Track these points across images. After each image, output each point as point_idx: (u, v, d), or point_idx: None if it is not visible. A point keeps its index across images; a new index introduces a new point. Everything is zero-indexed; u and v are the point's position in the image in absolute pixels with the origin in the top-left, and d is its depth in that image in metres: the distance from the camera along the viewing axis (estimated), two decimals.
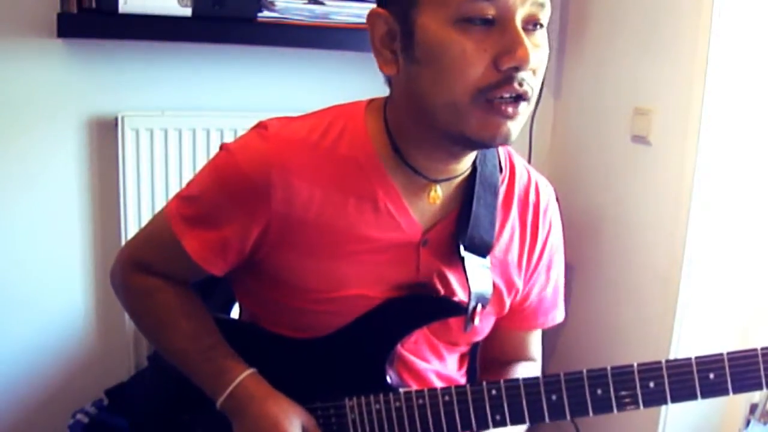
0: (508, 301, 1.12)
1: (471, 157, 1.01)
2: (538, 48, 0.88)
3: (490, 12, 0.85)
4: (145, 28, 1.78)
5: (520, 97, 0.88)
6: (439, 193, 1.01)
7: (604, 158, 2.13)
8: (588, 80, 2.19)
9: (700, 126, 1.73)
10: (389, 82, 1.00)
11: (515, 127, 0.90)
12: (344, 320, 1.02)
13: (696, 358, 0.93)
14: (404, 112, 0.97)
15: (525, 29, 0.86)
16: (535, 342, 1.22)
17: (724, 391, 0.92)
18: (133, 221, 1.94)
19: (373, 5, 0.96)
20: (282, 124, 1.02)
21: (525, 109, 0.90)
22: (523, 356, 1.21)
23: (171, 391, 1.16)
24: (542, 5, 0.87)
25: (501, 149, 1.10)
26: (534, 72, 0.89)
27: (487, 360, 1.21)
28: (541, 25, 0.89)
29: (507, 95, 0.87)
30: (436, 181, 1.01)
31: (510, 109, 0.87)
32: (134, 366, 2.03)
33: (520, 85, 0.87)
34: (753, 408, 1.83)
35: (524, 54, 0.84)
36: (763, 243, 1.82)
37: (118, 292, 1.15)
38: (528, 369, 1.18)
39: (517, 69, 0.85)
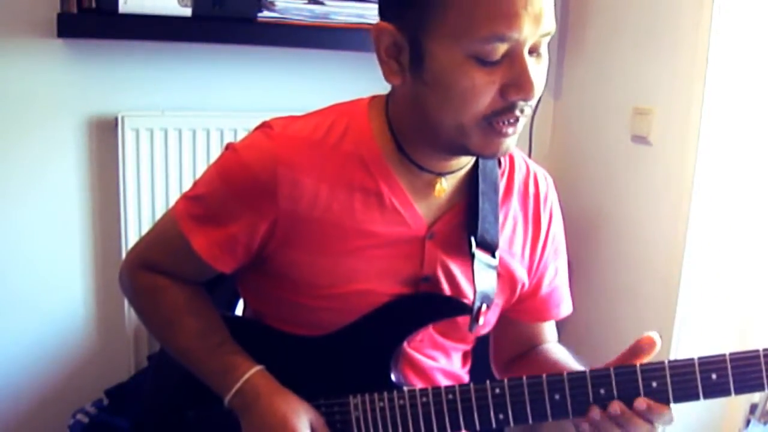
0: (515, 295, 1.12)
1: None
2: (540, 70, 0.92)
3: (502, 50, 0.87)
4: (145, 28, 1.78)
5: (519, 118, 0.92)
6: (444, 186, 1.03)
7: (604, 158, 2.13)
8: (588, 80, 2.20)
9: (700, 126, 1.73)
10: (401, 95, 1.01)
11: (513, 140, 0.95)
12: (350, 317, 1.03)
13: (698, 358, 0.93)
14: (407, 115, 0.99)
15: (531, 54, 0.89)
16: (551, 331, 1.24)
17: (726, 392, 0.93)
18: (133, 221, 1.94)
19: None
20: (286, 123, 1.03)
21: (521, 124, 0.94)
22: (542, 343, 1.22)
23: (171, 391, 1.17)
24: (550, 33, 0.90)
25: None
26: (536, 93, 0.91)
27: (507, 359, 1.23)
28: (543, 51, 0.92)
29: (508, 119, 0.91)
30: (441, 174, 1.02)
31: (510, 130, 0.92)
32: (134, 366, 2.03)
33: (522, 111, 0.91)
34: (753, 408, 1.83)
35: (531, 88, 0.88)
36: (763, 243, 1.82)
37: (126, 293, 1.15)
38: (552, 347, 1.20)
39: (524, 100, 0.89)
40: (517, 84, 0.88)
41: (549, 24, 0.89)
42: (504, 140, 0.93)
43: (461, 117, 0.90)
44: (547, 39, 0.91)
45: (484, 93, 0.88)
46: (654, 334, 0.95)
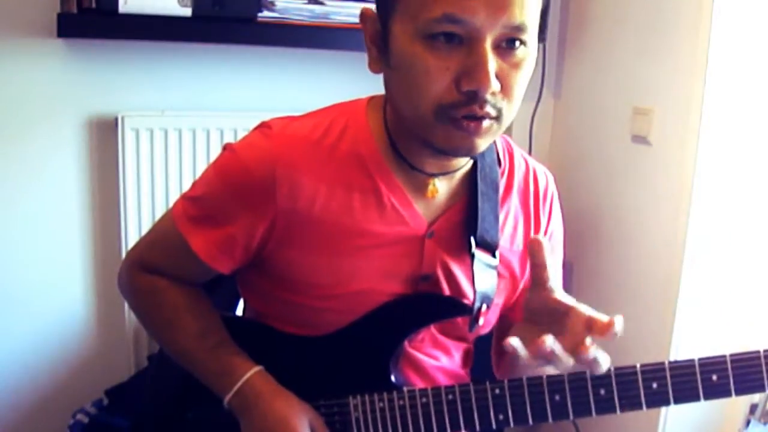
0: (516, 293, 1.12)
1: None
2: (513, 68, 0.87)
3: (458, 34, 0.84)
4: (145, 28, 1.78)
5: (484, 118, 0.88)
6: (437, 188, 1.02)
7: (604, 158, 2.13)
8: (588, 80, 2.20)
9: (700, 126, 1.73)
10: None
11: (482, 142, 0.91)
12: (349, 317, 1.03)
13: (699, 359, 0.93)
14: (394, 109, 0.99)
15: (499, 48, 0.86)
16: None
17: (726, 393, 0.93)
18: (133, 221, 1.94)
19: (373, 5, 0.96)
20: (285, 123, 1.03)
21: (493, 127, 0.90)
22: None
23: (171, 391, 1.17)
24: (520, 28, 0.85)
25: (499, 141, 1.11)
26: (506, 93, 0.88)
27: (507, 356, 1.21)
28: (523, 43, 0.87)
29: (469, 115, 0.87)
30: (434, 176, 1.02)
31: (472, 126, 0.88)
32: (134, 366, 2.03)
33: (481, 107, 0.86)
34: (753, 408, 1.83)
35: (484, 79, 0.84)
36: (763, 243, 1.82)
37: (125, 294, 1.15)
38: None
39: (477, 92, 0.85)
40: (470, 73, 0.84)
41: (519, 16, 0.84)
42: (468, 137, 0.89)
43: (417, 104, 0.88)
44: (525, 36, 0.86)
45: (438, 79, 0.86)
46: (618, 321, 0.85)
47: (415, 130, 0.93)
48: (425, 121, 0.89)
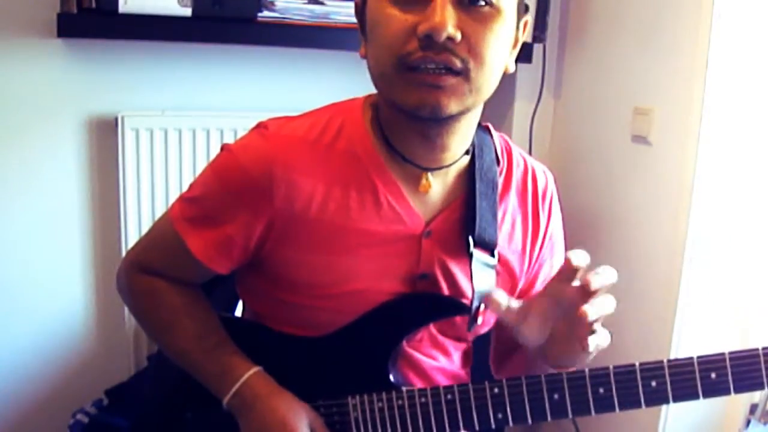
0: (515, 292, 1.12)
1: (457, 144, 1.02)
2: (477, 23, 0.88)
3: None
4: (145, 28, 1.78)
5: (444, 69, 0.88)
6: (430, 182, 1.02)
7: (604, 158, 2.13)
8: (588, 80, 2.20)
9: (700, 126, 1.73)
10: None
11: (447, 101, 0.90)
12: (348, 317, 1.03)
13: (698, 357, 0.93)
14: (378, 92, 1.00)
15: (461, 4, 0.88)
16: None
17: (725, 391, 0.93)
18: (133, 221, 1.94)
19: None
20: (281, 123, 1.03)
21: (461, 87, 0.90)
22: None
23: (171, 391, 1.17)
24: None
25: (498, 140, 1.10)
26: (471, 51, 0.89)
27: (504, 352, 1.21)
28: (489, 4, 0.89)
29: (430, 65, 0.88)
30: (428, 170, 1.02)
31: (430, 78, 0.88)
32: (134, 366, 2.03)
33: (437, 53, 0.87)
34: (753, 408, 1.83)
35: (439, 21, 0.85)
36: (763, 243, 1.82)
37: (123, 295, 1.15)
38: None
39: (430, 37, 0.86)
40: (426, 18, 0.86)
41: None
42: (429, 91, 0.89)
43: (383, 61, 0.90)
44: None
45: (398, 30, 0.88)
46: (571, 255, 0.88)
47: (386, 96, 0.95)
48: (390, 78, 0.91)
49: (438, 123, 0.95)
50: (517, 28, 0.97)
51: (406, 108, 0.92)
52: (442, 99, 0.90)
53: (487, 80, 0.92)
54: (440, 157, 1.01)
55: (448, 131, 0.98)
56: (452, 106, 0.91)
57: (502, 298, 0.91)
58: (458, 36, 0.87)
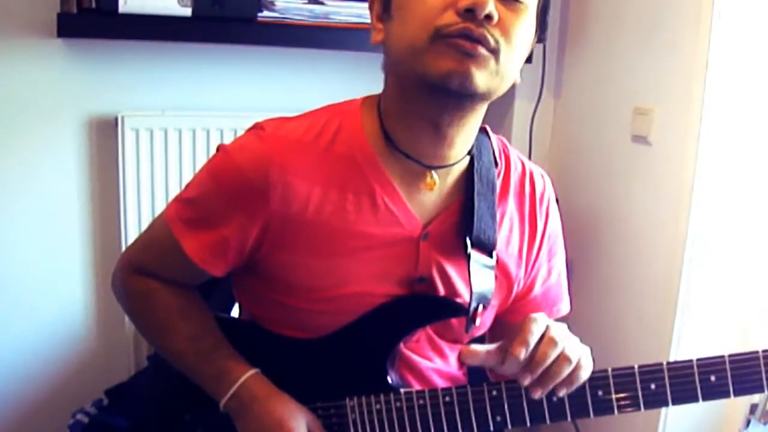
0: (511, 295, 1.12)
1: (462, 142, 1.01)
2: (512, 13, 0.91)
3: None
4: (145, 28, 1.78)
5: (479, 42, 0.89)
6: (435, 179, 1.01)
7: (604, 158, 2.13)
8: (588, 80, 2.19)
9: (700, 126, 1.73)
10: (384, 67, 1.01)
11: (477, 73, 0.89)
12: (345, 319, 1.02)
13: (697, 360, 0.93)
14: (389, 85, 1.00)
15: None
16: None
17: (725, 394, 0.93)
18: (133, 221, 1.94)
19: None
20: (278, 124, 1.02)
21: (490, 63, 0.90)
22: None
23: (171, 391, 1.16)
24: None
25: (495, 143, 1.10)
26: (504, 32, 0.90)
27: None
28: (521, 2, 0.91)
29: (465, 35, 0.88)
30: (431, 168, 1.01)
31: (468, 45, 0.88)
32: (134, 366, 2.03)
33: (477, 26, 0.88)
34: (753, 408, 1.83)
35: None
36: (763, 243, 1.81)
37: (118, 297, 1.15)
38: None
39: (472, 11, 0.87)
40: None
41: None
42: (462, 59, 0.88)
43: (415, 32, 0.90)
44: None
45: (438, 5, 0.89)
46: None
47: (412, 69, 0.92)
48: (420, 49, 0.90)
49: (459, 101, 0.94)
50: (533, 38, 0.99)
51: (436, 77, 0.89)
52: (472, 68, 0.89)
53: (511, 69, 0.94)
54: (445, 153, 1.01)
55: (459, 121, 0.97)
56: (479, 80, 0.90)
57: (476, 348, 0.95)
58: (496, 16, 0.89)
